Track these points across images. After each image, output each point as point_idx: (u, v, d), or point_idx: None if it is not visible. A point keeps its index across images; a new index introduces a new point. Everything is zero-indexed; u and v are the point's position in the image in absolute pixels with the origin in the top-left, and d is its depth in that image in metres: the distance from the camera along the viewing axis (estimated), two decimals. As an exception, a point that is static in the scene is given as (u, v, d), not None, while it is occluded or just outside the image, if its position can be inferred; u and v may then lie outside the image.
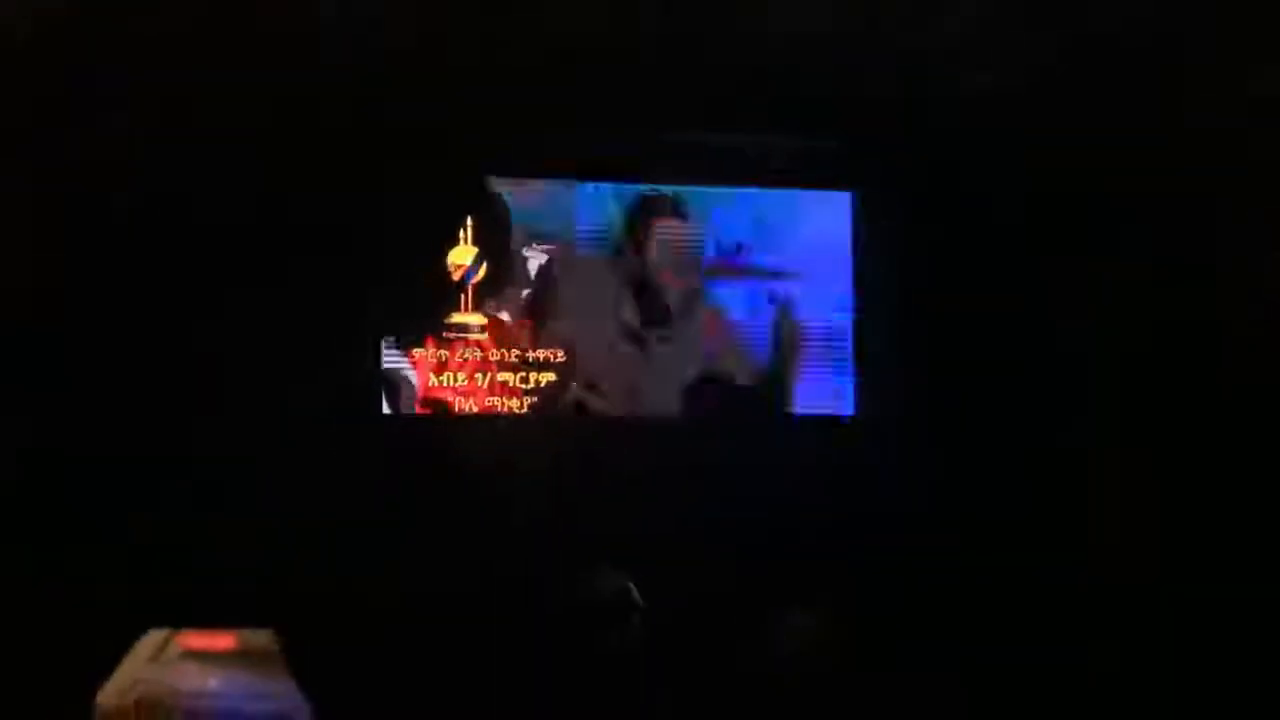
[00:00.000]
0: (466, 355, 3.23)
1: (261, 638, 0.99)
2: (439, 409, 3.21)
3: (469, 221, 3.23)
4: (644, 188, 3.35)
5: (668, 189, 3.36)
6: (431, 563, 2.96)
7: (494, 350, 3.24)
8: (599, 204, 3.32)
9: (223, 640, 0.98)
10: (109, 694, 0.99)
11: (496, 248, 3.24)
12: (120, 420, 2.92)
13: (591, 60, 2.91)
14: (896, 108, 3.17)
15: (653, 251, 3.34)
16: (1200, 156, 3.04)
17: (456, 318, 3.23)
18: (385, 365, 3.19)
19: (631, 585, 2.77)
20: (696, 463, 3.25)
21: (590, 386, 3.29)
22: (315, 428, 3.02)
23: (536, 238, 3.27)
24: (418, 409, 3.21)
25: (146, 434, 2.92)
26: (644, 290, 3.34)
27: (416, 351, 3.21)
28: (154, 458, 2.92)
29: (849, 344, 3.43)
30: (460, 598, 2.92)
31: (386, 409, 3.19)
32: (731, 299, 3.40)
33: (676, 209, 3.36)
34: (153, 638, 1.01)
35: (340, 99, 3.03)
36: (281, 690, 0.99)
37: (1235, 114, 2.96)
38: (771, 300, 3.38)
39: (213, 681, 0.95)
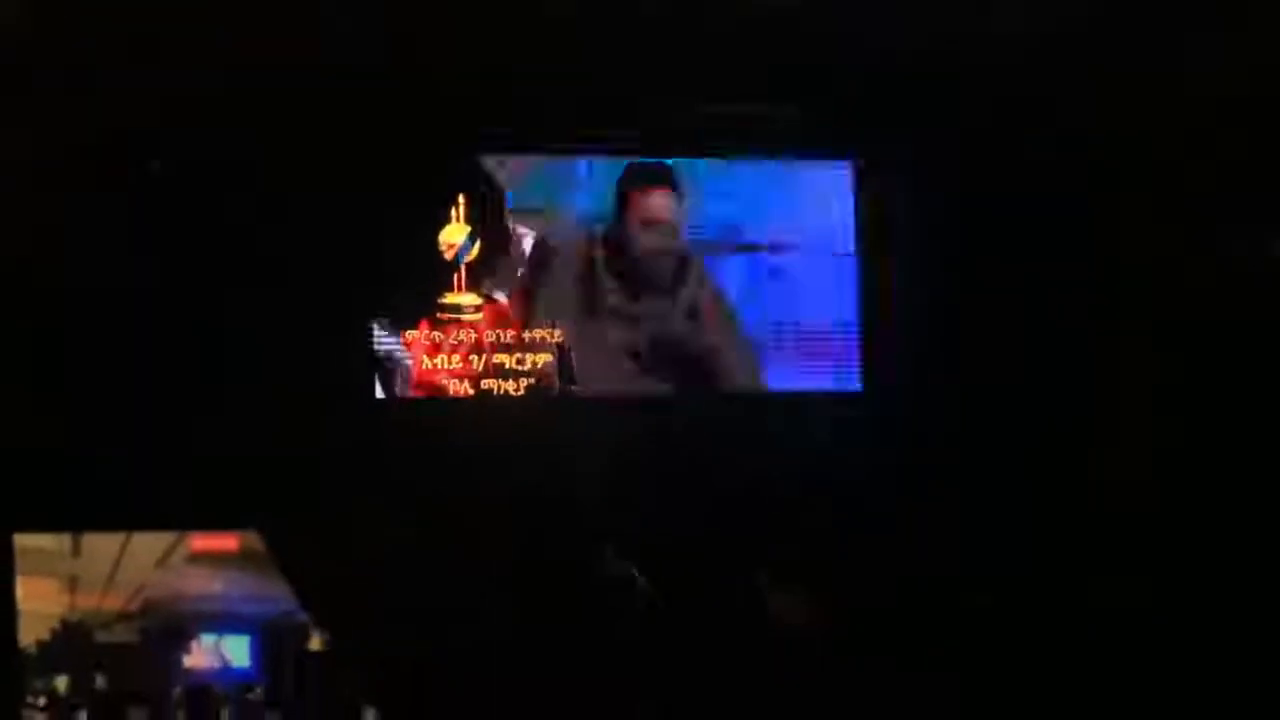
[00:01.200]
0: (461, 337, 3.19)
1: (257, 540, 0.97)
2: (433, 391, 3.17)
3: (461, 199, 3.19)
4: (634, 160, 3.31)
5: (663, 161, 3.32)
6: (427, 545, 2.92)
7: (489, 331, 3.20)
8: (593, 179, 3.28)
9: (227, 541, 0.95)
10: (111, 597, 0.96)
11: (489, 226, 3.21)
12: (110, 409, 2.86)
13: (585, 32, 2.89)
14: (897, 77, 3.16)
15: (642, 225, 3.31)
16: (1205, 144, 3.07)
17: (450, 298, 3.19)
18: (378, 348, 3.15)
19: (635, 570, 2.76)
20: (697, 440, 3.22)
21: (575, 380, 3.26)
22: (309, 411, 2.99)
23: (529, 215, 3.24)
24: (412, 391, 3.16)
25: (137, 421, 2.87)
26: (633, 266, 3.30)
27: (409, 334, 3.17)
28: (144, 444, 2.87)
29: (853, 319, 3.39)
30: (457, 581, 2.89)
31: (380, 392, 3.14)
32: (727, 273, 3.37)
33: (668, 180, 3.32)
34: (155, 540, 0.98)
35: (329, 77, 3.01)
36: (279, 593, 0.98)
37: (1241, 104, 2.99)
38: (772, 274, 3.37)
39: (217, 585, 0.92)
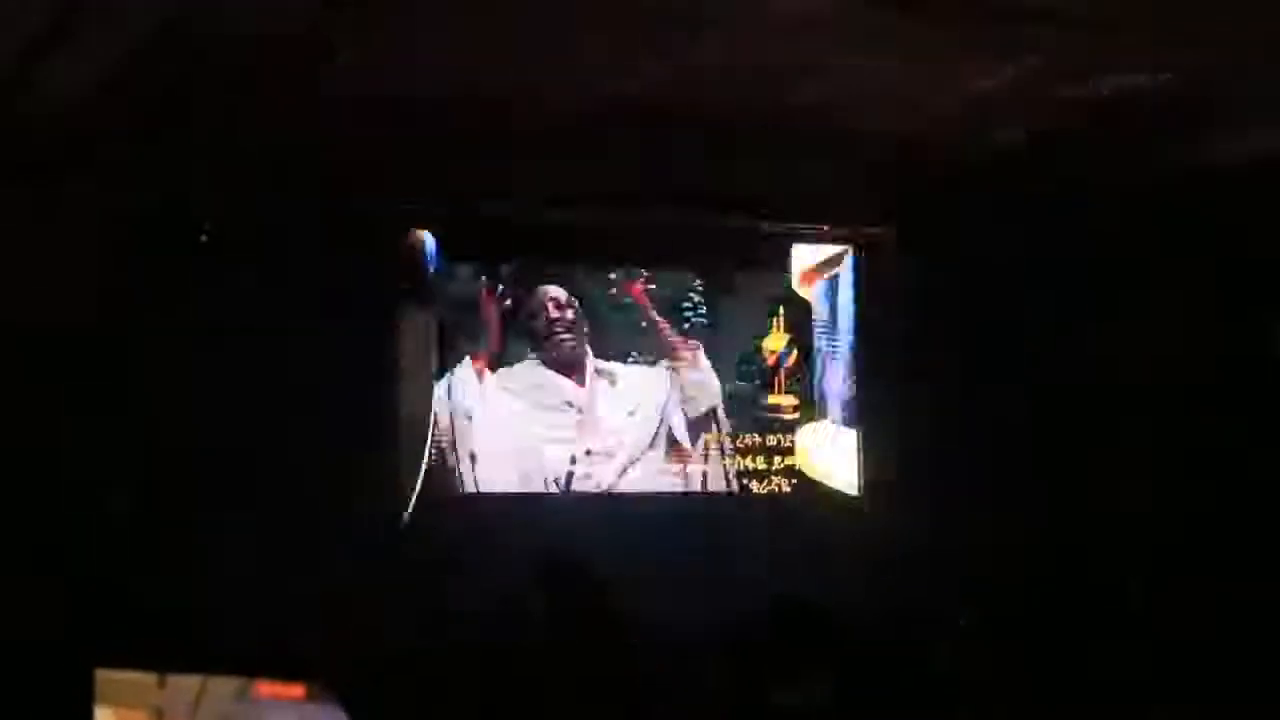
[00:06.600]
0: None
1: (324, 690, 1.09)
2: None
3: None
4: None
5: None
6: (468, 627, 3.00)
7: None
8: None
9: (294, 690, 1.07)
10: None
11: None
12: (179, 480, 3.04)
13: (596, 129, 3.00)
14: (896, 171, 3.32)
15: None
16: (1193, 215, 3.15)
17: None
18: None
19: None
20: (711, 537, 3.39)
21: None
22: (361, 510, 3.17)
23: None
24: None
25: (205, 497, 3.05)
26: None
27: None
28: (212, 524, 3.02)
29: (854, 406, 3.58)
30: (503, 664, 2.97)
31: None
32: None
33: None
34: (227, 683, 1.10)
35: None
36: (352, 724, 1.09)
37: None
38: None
39: (292, 715, 1.05)
